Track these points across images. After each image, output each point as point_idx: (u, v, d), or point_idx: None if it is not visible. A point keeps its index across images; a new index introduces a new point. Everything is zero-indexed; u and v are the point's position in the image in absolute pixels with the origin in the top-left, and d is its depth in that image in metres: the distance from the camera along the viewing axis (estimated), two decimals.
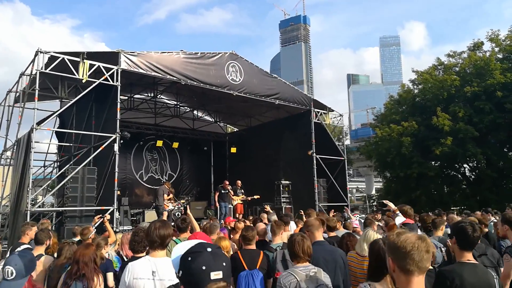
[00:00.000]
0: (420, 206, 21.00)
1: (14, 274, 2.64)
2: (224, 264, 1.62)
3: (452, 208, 21.88)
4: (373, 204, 34.78)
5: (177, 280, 2.69)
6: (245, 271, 4.20)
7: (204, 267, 1.64)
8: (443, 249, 4.63)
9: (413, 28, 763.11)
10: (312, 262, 3.75)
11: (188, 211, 6.91)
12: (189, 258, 1.70)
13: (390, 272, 1.98)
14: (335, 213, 10.56)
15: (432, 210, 17.08)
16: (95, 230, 6.59)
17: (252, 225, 6.60)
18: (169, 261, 2.91)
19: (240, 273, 4.17)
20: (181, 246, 2.06)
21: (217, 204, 14.67)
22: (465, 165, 25.75)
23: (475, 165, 25.09)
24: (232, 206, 15.12)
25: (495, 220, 8.47)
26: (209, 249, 1.68)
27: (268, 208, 10.65)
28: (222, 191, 14.65)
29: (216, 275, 1.61)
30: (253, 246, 4.68)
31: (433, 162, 24.83)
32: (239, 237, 5.16)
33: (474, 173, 25.77)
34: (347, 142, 41.39)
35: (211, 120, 21.96)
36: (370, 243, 3.35)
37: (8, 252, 6.16)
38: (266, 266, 4.46)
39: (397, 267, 1.88)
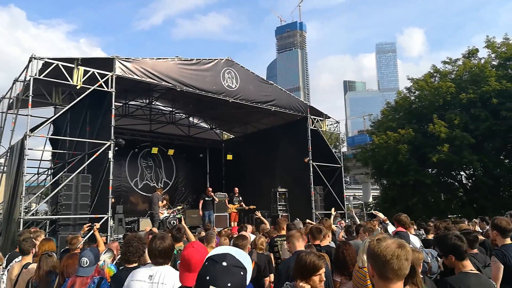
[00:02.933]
0: (417, 214, 20.90)
1: (88, 263, 3.47)
2: (229, 284, 1.54)
3: (449, 216, 21.87)
4: (370, 212, 34.67)
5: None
6: None
7: (208, 278, 1.56)
8: (439, 259, 4.57)
9: (412, 34, 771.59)
10: (288, 273, 3.79)
11: (183, 222, 6.86)
12: (206, 263, 1.65)
13: (369, 277, 1.99)
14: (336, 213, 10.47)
15: (428, 218, 17.02)
16: (85, 239, 6.46)
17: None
18: (169, 269, 3.15)
19: None
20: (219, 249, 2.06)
21: (201, 213, 14.56)
22: (461, 173, 25.74)
23: (471, 172, 25.08)
24: (227, 214, 15.01)
25: None
26: (224, 263, 1.61)
27: (258, 214, 10.53)
28: (206, 198, 14.54)
29: None
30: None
31: (429, 170, 24.81)
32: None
33: (470, 180, 25.75)
34: (344, 149, 41.32)
35: (207, 127, 21.88)
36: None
37: (5, 261, 6.04)
38: (256, 277, 4.42)
39: (376, 274, 1.88)
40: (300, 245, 4.35)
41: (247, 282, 1.63)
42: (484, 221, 10.78)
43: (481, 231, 9.03)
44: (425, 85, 25.39)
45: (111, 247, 5.33)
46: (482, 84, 22.59)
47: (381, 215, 6.83)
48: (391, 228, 6.08)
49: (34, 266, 4.51)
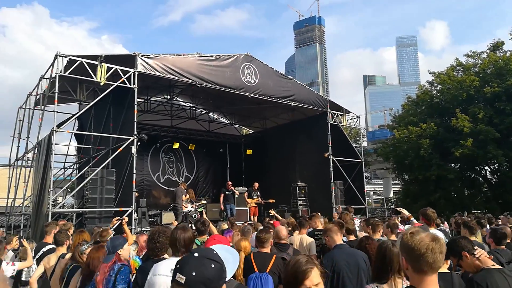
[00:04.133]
0: (439, 209, 20.54)
1: (107, 251, 3.69)
2: (193, 273, 1.57)
3: (473, 211, 21.43)
4: (391, 207, 34.26)
5: None
6: (255, 273, 4.23)
7: (178, 265, 1.62)
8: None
9: (434, 27, 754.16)
10: (334, 267, 3.73)
11: (204, 215, 6.96)
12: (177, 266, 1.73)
13: (403, 269, 2.03)
14: (341, 211, 10.42)
15: (452, 213, 16.76)
16: (114, 232, 6.66)
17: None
18: None
19: (250, 275, 4.23)
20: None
21: (222, 206, 14.70)
22: (486, 168, 25.16)
23: (496, 167, 24.49)
24: (247, 209, 15.11)
25: None
26: (196, 254, 1.66)
27: (273, 212, 10.58)
28: (226, 192, 14.67)
29: (179, 277, 1.60)
30: (267, 249, 4.67)
31: (452, 165, 24.34)
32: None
33: (495, 175, 25.14)
34: (364, 143, 40.92)
35: (226, 122, 22.03)
36: (378, 245, 3.35)
37: (33, 252, 6.29)
38: (278, 271, 4.44)
39: (410, 267, 1.92)
40: (339, 239, 4.32)
41: (224, 277, 1.64)
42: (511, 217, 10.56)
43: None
44: (448, 79, 24.86)
45: (139, 240, 5.48)
46: (507, 77, 21.98)
47: (405, 211, 6.70)
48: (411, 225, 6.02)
49: (69, 256, 4.70)
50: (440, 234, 5.89)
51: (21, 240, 6.32)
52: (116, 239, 3.90)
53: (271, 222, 8.94)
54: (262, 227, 7.13)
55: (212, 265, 1.59)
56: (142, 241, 5.53)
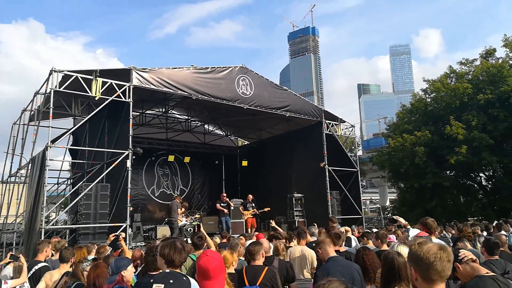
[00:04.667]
0: (436, 217, 20.32)
1: (110, 272, 3.68)
2: (171, 281, 1.82)
3: (469, 218, 21.42)
4: (387, 216, 34.20)
5: None
6: (246, 286, 4.24)
7: (151, 280, 1.97)
8: None
9: (428, 35, 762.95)
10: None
11: (202, 229, 6.90)
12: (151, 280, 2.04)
13: (412, 280, 2.05)
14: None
15: (448, 221, 16.74)
16: (111, 248, 6.58)
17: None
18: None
19: None
20: None
21: (218, 207, 14.49)
22: (481, 174, 25.23)
23: (491, 174, 24.58)
24: (244, 221, 15.00)
25: None
26: (167, 271, 1.92)
27: (273, 223, 10.51)
28: (222, 204, 14.50)
29: (157, 286, 1.82)
30: (259, 262, 4.64)
31: (448, 172, 24.40)
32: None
33: (490, 182, 25.22)
34: (359, 152, 40.98)
35: (222, 133, 22.02)
36: (383, 254, 3.36)
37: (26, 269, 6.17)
38: (270, 283, 4.40)
39: (419, 277, 1.95)
40: (332, 251, 4.37)
41: None
42: (508, 223, 10.53)
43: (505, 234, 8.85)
44: (441, 87, 25.06)
45: (135, 255, 5.42)
46: (500, 84, 22.19)
47: (402, 220, 6.78)
48: (412, 233, 6.01)
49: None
50: (444, 244, 5.88)
51: (20, 256, 6.15)
52: (121, 260, 3.86)
53: (276, 231, 8.93)
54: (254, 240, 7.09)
55: (184, 278, 2.03)
56: (138, 256, 5.48)
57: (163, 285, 1.91)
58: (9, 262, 6.58)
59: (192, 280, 2.51)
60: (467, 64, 26.02)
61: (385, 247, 5.69)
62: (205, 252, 2.98)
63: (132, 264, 3.85)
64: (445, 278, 1.92)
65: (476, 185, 25.77)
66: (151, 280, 2.03)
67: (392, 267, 3.04)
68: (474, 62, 25.67)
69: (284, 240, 7.32)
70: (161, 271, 3.64)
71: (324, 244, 4.36)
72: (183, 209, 13.29)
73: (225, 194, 15.03)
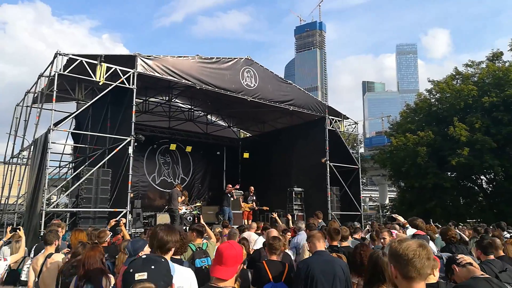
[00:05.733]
0: (435, 218, 20.58)
1: (128, 254, 3.73)
2: (152, 267, 1.77)
3: (468, 220, 21.45)
4: (386, 214, 34.23)
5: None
6: (270, 283, 4.15)
7: (131, 270, 1.83)
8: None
9: (436, 35, 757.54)
10: (308, 272, 3.75)
11: (202, 220, 6.92)
12: (130, 270, 1.91)
13: (391, 278, 2.03)
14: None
15: (447, 222, 16.76)
16: (111, 233, 6.61)
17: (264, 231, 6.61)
18: (176, 266, 2.90)
19: (265, 285, 4.14)
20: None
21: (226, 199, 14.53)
22: (482, 177, 25.21)
23: (492, 177, 24.56)
24: (241, 213, 15.05)
25: (508, 235, 8.26)
26: (144, 256, 1.83)
27: (275, 215, 10.54)
28: (228, 195, 14.54)
29: (139, 276, 1.75)
30: (279, 258, 4.62)
31: (449, 173, 24.38)
32: (265, 246, 5.09)
33: (491, 185, 25.20)
34: (361, 150, 41.01)
35: (224, 125, 22.00)
36: (370, 253, 3.37)
37: (33, 252, 6.21)
38: (290, 280, 4.40)
39: (399, 274, 1.93)
40: (321, 246, 4.33)
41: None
42: (498, 228, 10.47)
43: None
44: (447, 88, 24.97)
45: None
46: (505, 88, 22.08)
47: (401, 218, 6.82)
48: (410, 232, 6.05)
49: (57, 256, 4.64)
50: (432, 244, 5.91)
51: (17, 229, 6.16)
52: (136, 242, 3.87)
53: (276, 223, 9.00)
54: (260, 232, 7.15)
55: (162, 260, 1.98)
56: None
57: (146, 273, 1.84)
58: (9, 242, 6.64)
59: (169, 261, 2.45)
60: (473, 66, 25.90)
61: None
62: (229, 241, 3.01)
63: (147, 245, 3.85)
64: (424, 277, 1.90)
65: (476, 188, 25.77)
66: (131, 270, 1.92)
67: (375, 266, 3.02)
68: (481, 65, 25.54)
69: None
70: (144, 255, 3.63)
71: (313, 238, 4.34)
72: (183, 198, 13.33)
73: (230, 185, 15.02)
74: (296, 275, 4.02)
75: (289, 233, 7.91)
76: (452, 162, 21.62)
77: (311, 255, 4.50)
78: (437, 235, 6.79)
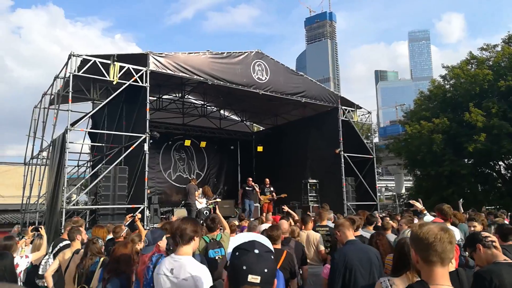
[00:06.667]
0: (452, 205, 20.27)
1: (147, 242, 3.84)
2: (265, 270, 1.62)
3: (487, 207, 21.13)
4: (403, 202, 33.96)
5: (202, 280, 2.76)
6: None
7: (244, 267, 1.61)
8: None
9: (451, 20, 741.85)
10: (346, 262, 3.75)
11: (217, 211, 6.99)
12: (237, 253, 1.70)
13: (414, 263, 2.00)
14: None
15: (465, 209, 16.56)
16: (127, 228, 6.77)
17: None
18: (191, 261, 2.93)
19: None
20: (238, 238, 2.10)
21: (240, 201, 14.68)
22: (500, 163, 24.79)
23: (510, 162, 24.13)
24: (259, 205, 15.13)
25: None
26: (256, 251, 1.68)
27: (286, 208, 10.54)
28: (246, 188, 14.63)
29: (253, 278, 1.60)
30: (278, 246, 4.71)
31: (466, 160, 24.04)
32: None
33: (510, 171, 24.78)
34: (376, 139, 40.68)
35: (237, 119, 22.09)
36: (398, 240, 3.37)
37: (51, 247, 6.42)
38: (289, 266, 4.45)
39: (420, 258, 1.90)
40: (351, 234, 4.23)
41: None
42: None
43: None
44: (461, 73, 24.51)
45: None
46: None
47: (419, 204, 6.65)
48: (427, 219, 6.01)
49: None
50: (457, 231, 5.85)
51: (39, 228, 6.39)
52: (155, 232, 4.02)
53: (290, 215, 9.08)
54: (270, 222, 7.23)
55: (272, 257, 1.67)
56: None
57: (259, 278, 1.68)
58: (32, 240, 6.87)
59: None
60: (488, 50, 25.34)
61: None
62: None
63: (165, 235, 3.99)
64: (446, 261, 1.85)
65: (494, 174, 25.35)
66: (244, 267, 1.65)
67: (402, 253, 3.00)
68: (496, 48, 24.98)
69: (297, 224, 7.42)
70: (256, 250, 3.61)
71: (343, 227, 4.23)
72: (200, 191, 13.43)
73: (251, 179, 15.08)
74: (333, 265, 3.94)
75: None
76: (469, 149, 21.30)
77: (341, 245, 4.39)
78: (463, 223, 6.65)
